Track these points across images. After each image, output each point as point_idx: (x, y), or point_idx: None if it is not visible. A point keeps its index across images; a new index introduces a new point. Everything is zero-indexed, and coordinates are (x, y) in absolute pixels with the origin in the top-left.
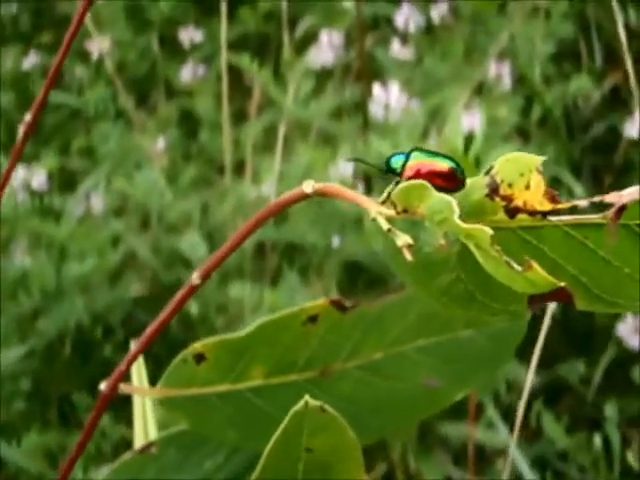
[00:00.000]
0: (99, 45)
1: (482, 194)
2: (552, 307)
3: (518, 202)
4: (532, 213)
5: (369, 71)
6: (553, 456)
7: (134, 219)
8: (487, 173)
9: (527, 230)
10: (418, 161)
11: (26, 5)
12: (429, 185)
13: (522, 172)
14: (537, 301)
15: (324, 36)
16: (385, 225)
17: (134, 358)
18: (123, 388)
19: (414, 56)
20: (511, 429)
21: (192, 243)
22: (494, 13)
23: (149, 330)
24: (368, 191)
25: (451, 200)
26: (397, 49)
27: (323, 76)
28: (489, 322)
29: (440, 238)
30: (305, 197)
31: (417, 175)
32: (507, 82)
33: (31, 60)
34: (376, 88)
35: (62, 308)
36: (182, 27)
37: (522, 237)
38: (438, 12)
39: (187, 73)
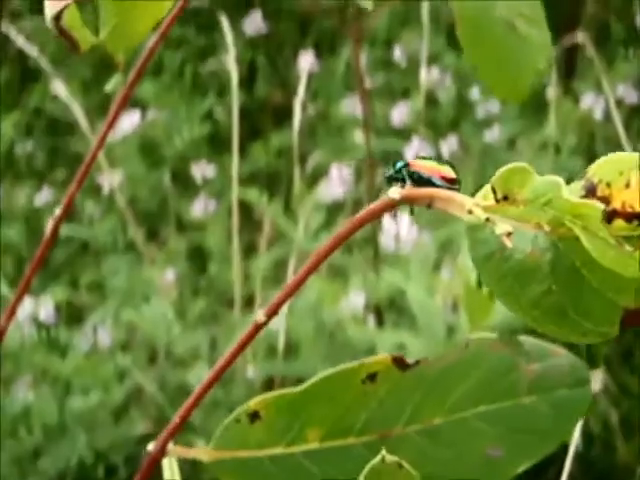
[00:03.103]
0: (110, 180)
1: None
2: (576, 441)
3: (616, 204)
4: (630, 217)
5: None
6: None
7: (141, 353)
8: (582, 178)
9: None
10: (419, 163)
11: (41, 143)
12: (530, 168)
13: (621, 170)
14: (630, 324)
15: (334, 170)
16: (483, 215)
17: (188, 412)
18: (172, 449)
19: None
20: None
21: (200, 378)
22: (503, 148)
23: (207, 378)
24: (380, 323)
25: (558, 179)
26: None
27: (334, 210)
28: (552, 388)
29: (545, 225)
30: (392, 204)
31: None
32: None
33: (44, 196)
34: (386, 220)
35: (64, 445)
36: (194, 162)
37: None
38: (448, 147)
39: (198, 208)
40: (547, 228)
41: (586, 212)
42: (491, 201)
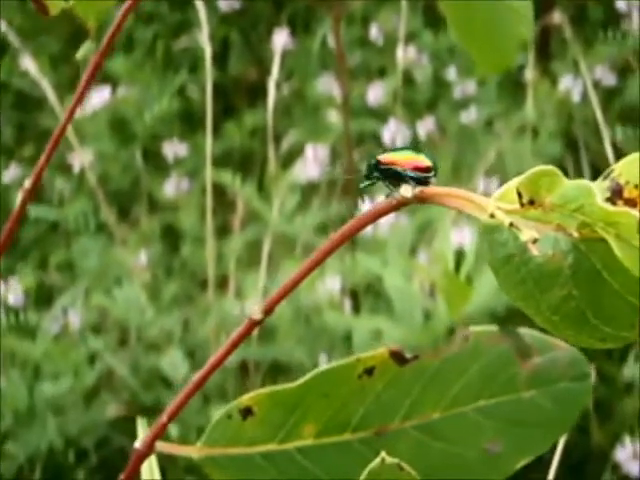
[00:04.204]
0: (81, 158)
1: (601, 199)
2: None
3: None
4: None
5: (355, 186)
6: None
7: (113, 336)
8: (606, 177)
9: None
10: (390, 157)
11: (8, 119)
12: (559, 172)
13: None
14: None
15: (309, 151)
16: (507, 219)
17: (176, 411)
18: (160, 446)
19: None
20: None
21: (173, 361)
22: (480, 129)
23: (197, 377)
24: (356, 308)
25: (589, 184)
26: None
27: (309, 191)
28: (552, 381)
29: (573, 230)
30: (405, 204)
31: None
32: None
33: (12, 173)
34: (363, 203)
35: (34, 430)
36: (166, 141)
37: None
38: (425, 128)
39: (171, 187)
40: (575, 234)
41: (620, 220)
42: (514, 204)
